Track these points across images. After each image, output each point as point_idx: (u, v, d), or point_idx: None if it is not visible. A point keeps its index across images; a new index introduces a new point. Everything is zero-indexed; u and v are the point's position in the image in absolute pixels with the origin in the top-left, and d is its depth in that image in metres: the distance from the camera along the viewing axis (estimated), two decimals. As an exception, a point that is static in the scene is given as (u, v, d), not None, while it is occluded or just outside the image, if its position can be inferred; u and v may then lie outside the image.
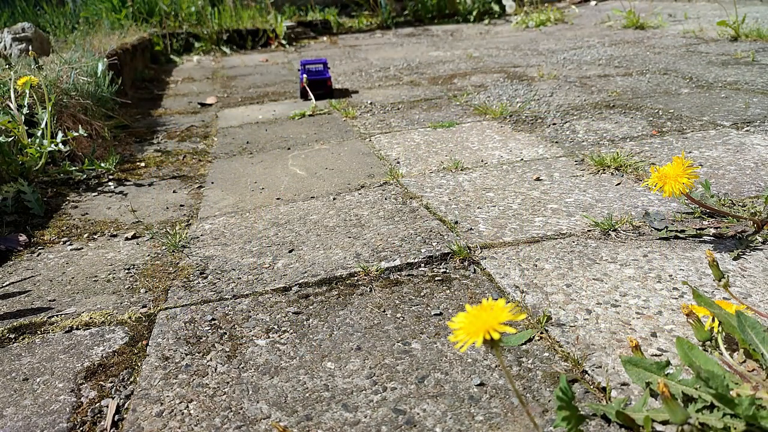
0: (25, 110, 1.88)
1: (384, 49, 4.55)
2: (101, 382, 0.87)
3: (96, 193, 1.78)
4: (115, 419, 0.79)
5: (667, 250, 1.12)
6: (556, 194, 1.43)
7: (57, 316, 1.08)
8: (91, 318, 1.06)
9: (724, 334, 0.78)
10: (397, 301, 1.02)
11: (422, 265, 1.15)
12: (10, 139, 1.76)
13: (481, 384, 0.79)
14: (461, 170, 1.67)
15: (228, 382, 0.84)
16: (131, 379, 0.87)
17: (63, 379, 0.88)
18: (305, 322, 0.98)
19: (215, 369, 0.88)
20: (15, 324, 1.06)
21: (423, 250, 1.20)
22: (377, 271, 1.13)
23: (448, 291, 1.04)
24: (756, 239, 1.12)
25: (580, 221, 1.27)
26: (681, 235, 1.16)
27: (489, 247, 1.19)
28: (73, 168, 1.88)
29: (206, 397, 0.81)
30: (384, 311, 0.99)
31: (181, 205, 1.62)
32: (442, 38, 4.96)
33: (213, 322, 1.00)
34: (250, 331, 0.97)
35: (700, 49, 3.31)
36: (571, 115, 2.15)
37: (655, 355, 0.82)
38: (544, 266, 1.10)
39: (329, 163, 1.86)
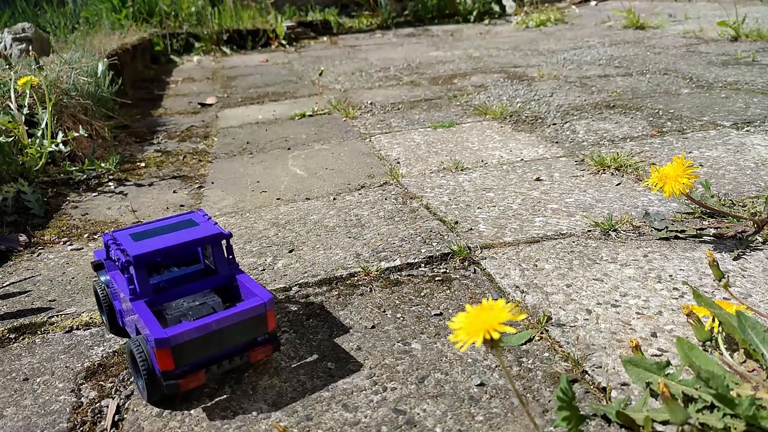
0: (25, 110, 1.88)
1: (384, 50, 4.55)
2: (101, 382, 0.87)
3: (96, 194, 1.78)
4: (116, 419, 0.79)
5: (668, 250, 1.12)
6: (557, 194, 1.43)
7: (57, 316, 1.08)
8: (91, 318, 1.06)
9: (724, 334, 0.78)
10: (397, 301, 1.02)
11: (422, 265, 1.15)
12: (11, 139, 1.76)
13: (482, 384, 0.79)
14: (461, 170, 1.67)
15: (227, 382, 0.84)
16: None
17: (63, 379, 0.88)
18: (305, 322, 0.98)
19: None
20: (15, 324, 1.06)
21: (423, 250, 1.20)
22: (377, 271, 1.13)
23: (448, 291, 1.04)
24: (756, 239, 1.12)
25: (581, 221, 1.27)
26: (681, 235, 1.16)
27: (489, 247, 1.19)
28: (74, 168, 1.88)
29: (206, 397, 0.81)
30: (384, 311, 0.99)
31: (182, 205, 1.61)
32: (442, 38, 4.96)
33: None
34: (250, 331, 0.97)
35: (700, 49, 3.31)
36: (572, 116, 2.15)
37: (656, 355, 0.82)
38: (544, 266, 1.10)
39: (329, 163, 1.86)
